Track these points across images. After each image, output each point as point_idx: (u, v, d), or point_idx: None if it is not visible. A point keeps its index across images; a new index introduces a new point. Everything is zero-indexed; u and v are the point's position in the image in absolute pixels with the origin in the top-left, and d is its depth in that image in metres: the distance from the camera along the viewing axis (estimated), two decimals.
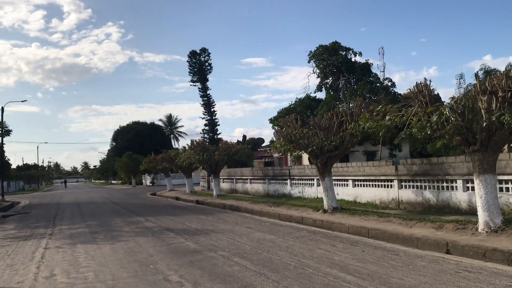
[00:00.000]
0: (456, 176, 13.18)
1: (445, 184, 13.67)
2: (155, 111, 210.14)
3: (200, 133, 41.36)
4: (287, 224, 13.61)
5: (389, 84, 24.64)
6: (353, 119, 13.54)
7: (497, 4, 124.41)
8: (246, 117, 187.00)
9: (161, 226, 13.75)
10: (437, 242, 9.02)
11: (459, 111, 8.77)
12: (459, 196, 13.13)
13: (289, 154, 16.17)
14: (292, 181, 22.53)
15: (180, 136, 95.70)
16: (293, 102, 23.80)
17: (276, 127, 23.74)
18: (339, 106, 20.96)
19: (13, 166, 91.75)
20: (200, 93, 42.71)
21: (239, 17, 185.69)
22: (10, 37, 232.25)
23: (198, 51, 42.34)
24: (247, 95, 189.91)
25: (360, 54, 25.11)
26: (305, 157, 27.85)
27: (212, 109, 42.37)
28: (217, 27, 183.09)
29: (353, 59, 25.16)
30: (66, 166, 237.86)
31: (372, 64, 24.62)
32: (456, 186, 13.25)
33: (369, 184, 17.08)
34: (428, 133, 9.33)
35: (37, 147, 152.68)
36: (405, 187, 15.27)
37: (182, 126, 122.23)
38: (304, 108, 23.33)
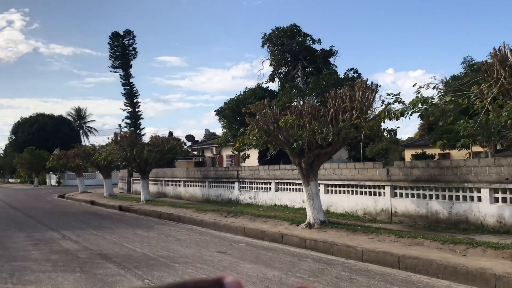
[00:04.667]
0: (481, 183, 10.44)
1: (462, 194, 10.90)
2: (61, 106, 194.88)
3: (119, 127, 36.05)
4: (267, 245, 10.00)
5: (355, 75, 21.73)
6: (357, 106, 10.28)
7: (399, 21, 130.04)
8: (157, 116, 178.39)
9: (89, 248, 9.45)
10: None
11: None
12: (483, 209, 10.40)
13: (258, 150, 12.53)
14: (241, 185, 18.94)
15: (90, 132, 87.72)
16: (242, 92, 20.24)
17: (223, 120, 20.03)
18: (302, 99, 17.78)
19: None
20: (122, 80, 37.35)
21: (155, 13, 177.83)
22: None
23: (121, 33, 37.09)
24: (160, 94, 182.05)
25: (320, 41, 22.07)
26: (253, 156, 24.36)
27: (135, 100, 37.21)
28: (131, 22, 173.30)
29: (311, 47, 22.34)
30: None
31: (337, 52, 21.69)
32: (480, 197, 10.50)
33: (348, 191, 14.06)
34: None
35: None
36: (401, 196, 12.39)
37: (94, 120, 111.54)
38: (256, 99, 19.80)
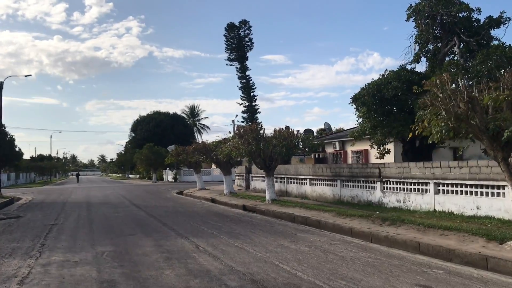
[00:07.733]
0: None
1: None
2: (174, 106, 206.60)
3: (233, 123, 34.69)
4: (476, 274, 7.02)
5: None
6: None
7: None
8: (260, 115, 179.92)
9: (234, 269, 7.21)
10: None
11: None
12: None
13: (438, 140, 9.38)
14: (385, 185, 15.90)
15: (203, 129, 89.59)
16: (382, 75, 17.08)
17: (360, 108, 17.14)
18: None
19: (27, 157, 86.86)
20: (238, 73, 35.95)
21: (259, 13, 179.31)
22: (32, 29, 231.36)
23: (237, 24, 35.48)
24: (265, 92, 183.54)
25: (479, 10, 18.15)
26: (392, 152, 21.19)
27: (252, 93, 35.58)
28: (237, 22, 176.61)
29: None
30: (84, 158, 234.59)
31: (510, 19, 17.49)
32: None
33: None
34: None
35: (50, 136, 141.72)
36: None
37: (207, 118, 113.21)
38: (401, 83, 16.56)
